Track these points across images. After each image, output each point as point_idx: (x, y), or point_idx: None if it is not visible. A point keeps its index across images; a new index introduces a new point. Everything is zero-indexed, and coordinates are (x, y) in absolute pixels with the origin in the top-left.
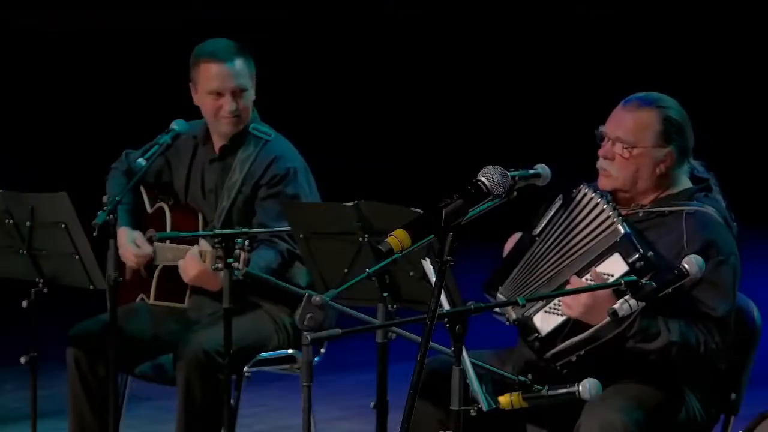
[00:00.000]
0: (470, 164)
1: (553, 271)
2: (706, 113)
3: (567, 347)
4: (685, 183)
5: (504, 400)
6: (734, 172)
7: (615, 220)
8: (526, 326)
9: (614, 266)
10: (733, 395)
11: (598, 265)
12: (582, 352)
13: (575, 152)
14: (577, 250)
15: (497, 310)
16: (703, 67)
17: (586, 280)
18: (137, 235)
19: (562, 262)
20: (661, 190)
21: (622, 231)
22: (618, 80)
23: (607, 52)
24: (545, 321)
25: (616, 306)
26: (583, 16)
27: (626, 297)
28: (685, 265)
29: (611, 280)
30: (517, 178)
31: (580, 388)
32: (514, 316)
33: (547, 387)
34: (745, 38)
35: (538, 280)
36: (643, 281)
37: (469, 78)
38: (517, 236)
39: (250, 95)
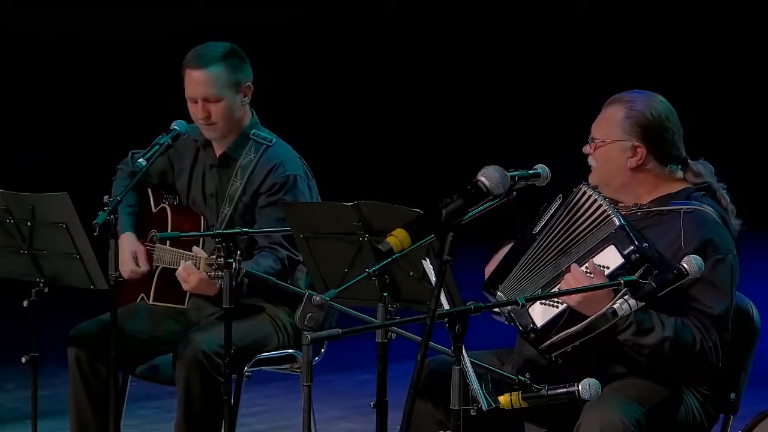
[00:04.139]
0: (470, 164)
1: (553, 267)
2: (707, 112)
3: (562, 338)
4: (684, 182)
5: (504, 399)
6: (734, 171)
7: (611, 213)
8: (522, 318)
9: (610, 258)
10: (733, 395)
11: (595, 256)
12: (577, 344)
13: (575, 151)
14: (576, 244)
15: (496, 309)
16: (705, 66)
17: (585, 269)
18: (140, 249)
19: (562, 257)
20: (654, 189)
21: (617, 223)
22: (619, 79)
23: (607, 50)
24: (541, 313)
25: (615, 305)
26: (583, 14)
27: (626, 296)
28: (685, 265)
29: (607, 272)
30: (516, 178)
31: (580, 387)
32: (509, 307)
33: (546, 387)
34: (747, 37)
35: (538, 277)
36: (643, 281)
37: (468, 78)
38: (505, 249)
39: (229, 103)
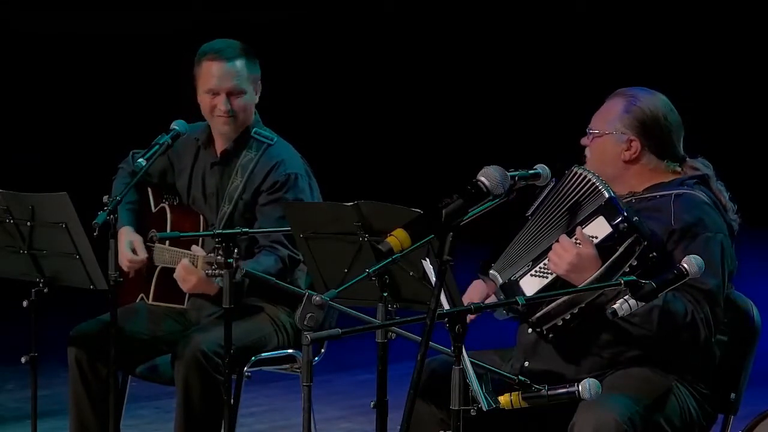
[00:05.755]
0: (470, 164)
1: (544, 241)
2: (707, 112)
3: (552, 310)
4: (679, 175)
5: (504, 399)
6: (734, 171)
7: (600, 186)
8: (512, 291)
9: (599, 229)
10: (733, 395)
11: (585, 227)
12: (567, 317)
13: (575, 151)
14: (566, 218)
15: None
16: (705, 66)
17: (574, 239)
18: (136, 239)
19: (552, 231)
20: (648, 180)
21: (607, 195)
22: (618, 79)
23: (607, 50)
24: (531, 284)
25: (615, 306)
26: (583, 14)
27: (626, 297)
28: (685, 265)
29: (596, 242)
30: (516, 178)
31: (580, 388)
32: (501, 281)
33: (546, 387)
34: (747, 37)
35: (529, 253)
36: (643, 281)
37: (468, 78)
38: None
39: (250, 98)
